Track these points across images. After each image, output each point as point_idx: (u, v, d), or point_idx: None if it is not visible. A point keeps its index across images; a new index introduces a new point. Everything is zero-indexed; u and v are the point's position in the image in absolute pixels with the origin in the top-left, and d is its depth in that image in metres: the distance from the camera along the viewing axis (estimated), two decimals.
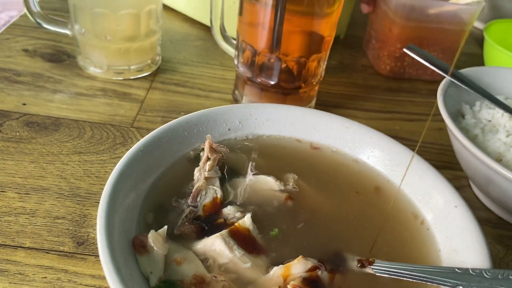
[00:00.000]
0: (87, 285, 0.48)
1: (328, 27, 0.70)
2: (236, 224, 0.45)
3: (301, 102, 0.76)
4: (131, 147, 0.50)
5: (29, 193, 0.57)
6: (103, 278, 0.49)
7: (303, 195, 0.52)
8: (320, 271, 0.42)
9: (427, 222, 0.50)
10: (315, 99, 0.80)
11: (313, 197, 0.52)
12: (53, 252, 0.51)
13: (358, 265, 0.45)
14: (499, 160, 0.61)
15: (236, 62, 0.75)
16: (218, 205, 0.48)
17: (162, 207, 0.48)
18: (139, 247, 0.41)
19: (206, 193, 0.48)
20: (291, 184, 0.52)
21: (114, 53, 0.78)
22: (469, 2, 0.86)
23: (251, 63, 0.72)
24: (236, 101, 0.79)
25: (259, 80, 0.72)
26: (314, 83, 0.75)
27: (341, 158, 0.58)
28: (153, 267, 0.41)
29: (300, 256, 0.42)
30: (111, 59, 0.78)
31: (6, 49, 0.83)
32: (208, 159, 0.50)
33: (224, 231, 0.44)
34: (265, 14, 0.67)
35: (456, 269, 0.41)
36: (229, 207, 0.48)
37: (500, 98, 0.70)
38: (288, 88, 0.73)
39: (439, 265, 0.46)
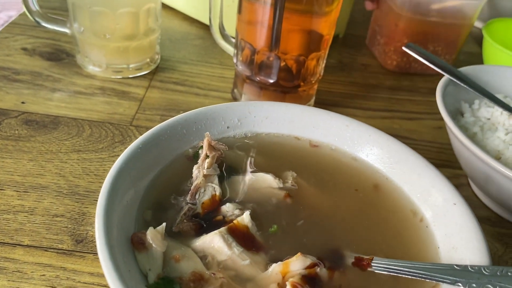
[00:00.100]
0: (85, 283, 0.48)
1: (327, 25, 0.70)
2: (234, 221, 0.45)
3: (300, 100, 0.76)
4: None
5: (28, 191, 0.57)
6: (101, 275, 0.49)
7: (302, 193, 0.51)
8: (319, 268, 0.42)
9: (426, 220, 0.50)
10: (314, 98, 0.80)
11: (312, 194, 0.52)
12: (52, 250, 0.51)
13: (352, 262, 0.44)
14: (498, 158, 0.61)
15: (235, 60, 0.75)
16: (216, 203, 0.48)
17: (161, 205, 0.48)
18: (137, 244, 0.41)
19: (204, 190, 0.48)
20: (290, 181, 0.52)
21: (113, 52, 0.78)
22: None
23: (250, 61, 0.72)
24: (235, 99, 0.79)
25: (258, 78, 0.72)
26: (313, 82, 0.75)
27: (340, 156, 0.57)
28: (152, 264, 0.41)
29: (299, 253, 0.42)
30: (110, 57, 0.78)
31: (5, 48, 0.83)
32: (206, 156, 0.50)
33: (222, 228, 0.44)
34: (264, 13, 0.67)
35: (455, 266, 0.41)
36: (227, 204, 0.48)
37: (499, 96, 0.70)
38: (287, 87, 0.73)
39: (438, 262, 0.46)
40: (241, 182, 0.51)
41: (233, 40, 0.78)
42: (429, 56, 0.72)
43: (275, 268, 0.42)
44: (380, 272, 0.44)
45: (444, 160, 0.73)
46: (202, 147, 0.51)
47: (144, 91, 0.78)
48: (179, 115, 0.55)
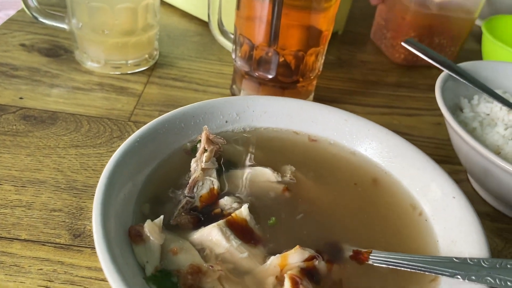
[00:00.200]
0: (83, 277, 0.48)
1: (326, 21, 0.70)
2: (233, 214, 0.45)
3: (299, 96, 0.76)
4: None
5: (26, 186, 0.57)
6: (99, 270, 0.49)
7: (300, 187, 0.51)
8: (317, 261, 0.42)
9: (425, 213, 0.50)
10: (313, 94, 0.79)
11: (311, 188, 0.51)
12: (49, 244, 0.51)
13: (350, 255, 0.44)
14: (497, 153, 0.61)
15: (233, 56, 0.75)
16: (215, 196, 0.48)
17: (159, 198, 0.47)
18: (135, 236, 0.41)
19: (203, 184, 0.48)
20: (288, 175, 0.52)
21: (111, 48, 0.77)
22: None
23: (249, 57, 0.72)
24: (233, 95, 0.79)
25: (256, 74, 0.72)
26: (312, 77, 0.75)
27: (339, 150, 0.57)
28: (149, 256, 0.41)
29: (297, 246, 0.42)
30: (108, 53, 0.78)
31: (3, 44, 0.83)
32: (205, 150, 0.50)
33: (221, 221, 0.44)
34: (263, 8, 0.66)
35: (454, 259, 0.41)
36: (226, 198, 0.47)
37: (499, 92, 0.69)
38: (286, 82, 0.73)
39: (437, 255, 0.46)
40: (239, 176, 0.51)
41: (232, 36, 0.77)
42: (428, 52, 0.71)
43: (273, 261, 0.42)
44: (379, 265, 0.43)
45: (443, 156, 0.73)
46: (200, 141, 0.51)
47: (143, 87, 0.78)
48: (177, 109, 0.54)
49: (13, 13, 0.93)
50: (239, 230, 0.44)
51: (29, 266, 0.48)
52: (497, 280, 0.38)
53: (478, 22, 1.10)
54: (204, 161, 0.49)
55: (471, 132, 0.63)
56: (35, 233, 0.52)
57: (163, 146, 0.52)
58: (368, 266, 0.44)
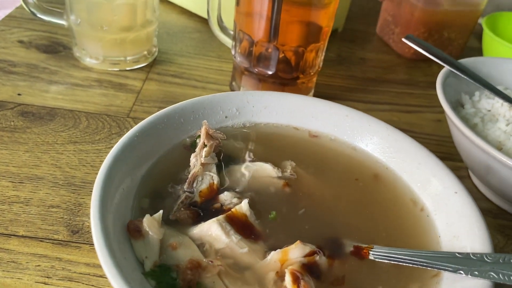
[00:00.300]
0: (81, 273, 0.48)
1: (326, 17, 0.70)
2: (233, 209, 0.44)
3: (299, 93, 0.75)
4: None
5: (23, 182, 0.57)
6: (97, 266, 0.48)
7: (301, 182, 0.51)
8: (318, 257, 0.41)
9: (427, 209, 0.49)
10: (313, 91, 0.79)
11: (311, 184, 0.51)
12: (47, 241, 0.50)
13: (351, 251, 0.44)
14: (499, 149, 0.60)
15: (233, 52, 0.74)
16: (214, 191, 0.47)
17: (158, 193, 0.47)
18: (134, 231, 0.41)
19: (202, 179, 0.48)
20: (289, 171, 0.52)
21: (110, 44, 0.77)
22: None
23: (249, 53, 0.71)
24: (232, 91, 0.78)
25: (256, 70, 0.71)
26: (312, 74, 0.74)
27: (340, 146, 0.57)
28: (148, 251, 0.40)
29: (298, 241, 0.42)
30: (107, 49, 0.77)
31: (1, 40, 0.83)
32: (204, 145, 0.49)
33: (220, 216, 0.43)
34: (263, 3, 0.66)
35: (457, 254, 0.41)
36: (226, 193, 0.47)
37: (500, 88, 0.69)
38: (286, 79, 0.72)
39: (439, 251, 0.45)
40: (239, 171, 0.51)
41: (231, 32, 0.77)
42: (429, 48, 0.71)
43: (274, 256, 0.41)
44: (381, 260, 0.43)
45: (444, 153, 0.73)
46: (199, 136, 0.51)
47: (142, 84, 0.77)
48: (176, 104, 0.54)
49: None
50: (239, 225, 0.43)
51: (27, 262, 0.48)
52: (500, 275, 0.38)
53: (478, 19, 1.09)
54: (203, 156, 0.48)
55: (473, 128, 0.63)
56: (33, 230, 0.51)
57: (162, 141, 0.51)
58: (370, 262, 0.43)
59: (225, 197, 0.47)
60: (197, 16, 1.01)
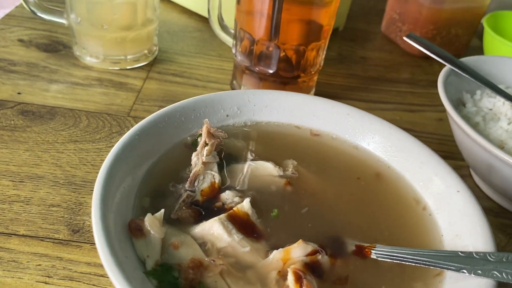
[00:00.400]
0: (82, 273, 0.47)
1: (327, 16, 0.69)
2: (234, 208, 0.44)
3: (300, 92, 0.74)
4: None
5: (24, 181, 0.56)
6: (98, 265, 0.48)
7: (302, 181, 0.51)
8: (320, 255, 0.41)
9: (429, 208, 0.49)
10: (314, 90, 0.79)
11: (313, 182, 0.51)
12: (48, 240, 0.50)
13: (353, 250, 0.44)
14: (501, 147, 0.60)
15: (234, 51, 0.74)
16: (216, 190, 0.47)
17: (159, 192, 0.47)
18: (135, 230, 0.40)
19: (204, 178, 0.47)
20: (290, 169, 0.51)
21: (110, 43, 0.77)
22: None
23: (250, 52, 0.71)
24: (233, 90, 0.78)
25: (257, 69, 0.71)
26: (313, 73, 0.74)
27: (342, 144, 0.57)
28: (150, 250, 0.40)
29: (300, 240, 0.42)
30: (107, 48, 0.77)
31: (1, 39, 0.82)
32: (206, 144, 0.49)
33: (222, 215, 0.43)
34: (264, 2, 0.66)
35: (460, 253, 0.41)
36: (227, 192, 0.47)
37: (501, 87, 0.69)
38: (287, 77, 0.72)
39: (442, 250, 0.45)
40: (240, 170, 0.50)
41: (232, 31, 0.77)
42: (431, 46, 0.71)
43: (276, 255, 0.41)
44: (383, 259, 0.43)
45: (446, 152, 0.72)
46: (201, 134, 0.50)
47: (142, 83, 0.77)
48: (177, 103, 0.54)
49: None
50: (240, 224, 0.43)
51: (28, 261, 0.48)
52: (503, 274, 0.38)
53: None
54: (205, 155, 0.48)
55: (474, 127, 0.62)
56: (33, 229, 0.51)
57: (163, 140, 0.51)
58: (372, 261, 0.43)
59: (227, 196, 0.46)
60: (197, 15, 1.00)
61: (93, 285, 0.46)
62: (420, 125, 0.78)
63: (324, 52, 0.74)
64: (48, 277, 0.46)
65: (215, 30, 0.79)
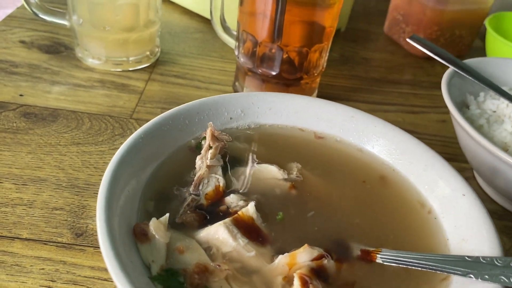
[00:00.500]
0: (86, 277, 0.47)
1: (330, 17, 0.69)
2: (239, 212, 0.44)
3: (303, 93, 0.74)
4: None
5: (26, 184, 0.56)
6: (102, 269, 0.48)
7: (307, 184, 0.50)
8: (326, 260, 0.41)
9: (434, 211, 0.49)
10: (316, 91, 0.79)
11: (318, 186, 0.51)
12: (51, 244, 0.50)
13: (358, 255, 0.43)
14: (505, 150, 0.60)
15: (236, 53, 0.74)
16: (220, 194, 0.47)
17: (163, 196, 0.46)
18: (140, 235, 0.40)
19: (208, 181, 0.47)
20: (294, 173, 0.51)
21: (112, 44, 0.76)
22: None
23: (252, 53, 0.71)
24: (236, 92, 0.77)
25: (260, 71, 0.71)
26: (316, 74, 0.74)
27: (346, 147, 0.56)
28: (155, 255, 0.40)
29: (306, 245, 0.41)
30: (109, 50, 0.77)
31: (3, 41, 0.82)
32: (210, 147, 0.49)
33: (227, 220, 0.43)
34: (267, 3, 0.66)
35: (466, 257, 0.40)
36: (232, 195, 0.46)
37: (505, 89, 0.69)
38: (290, 79, 0.72)
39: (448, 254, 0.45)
40: (245, 173, 0.50)
41: (234, 33, 0.76)
42: (434, 48, 0.70)
43: (282, 260, 0.41)
44: (389, 264, 0.42)
45: (449, 154, 0.72)
46: (205, 137, 0.50)
47: (144, 84, 0.77)
48: (181, 105, 0.53)
49: (10, 11, 0.92)
50: (245, 228, 0.43)
51: (31, 265, 0.47)
52: (511, 279, 0.37)
53: None
54: (209, 158, 0.48)
55: (478, 129, 0.62)
56: (36, 232, 0.51)
57: (167, 143, 0.51)
58: (378, 265, 0.43)
59: (231, 199, 0.46)
60: (199, 16, 1.00)
61: None
62: (423, 127, 0.78)
63: (327, 54, 0.74)
64: (51, 281, 0.46)
65: (217, 31, 0.79)
